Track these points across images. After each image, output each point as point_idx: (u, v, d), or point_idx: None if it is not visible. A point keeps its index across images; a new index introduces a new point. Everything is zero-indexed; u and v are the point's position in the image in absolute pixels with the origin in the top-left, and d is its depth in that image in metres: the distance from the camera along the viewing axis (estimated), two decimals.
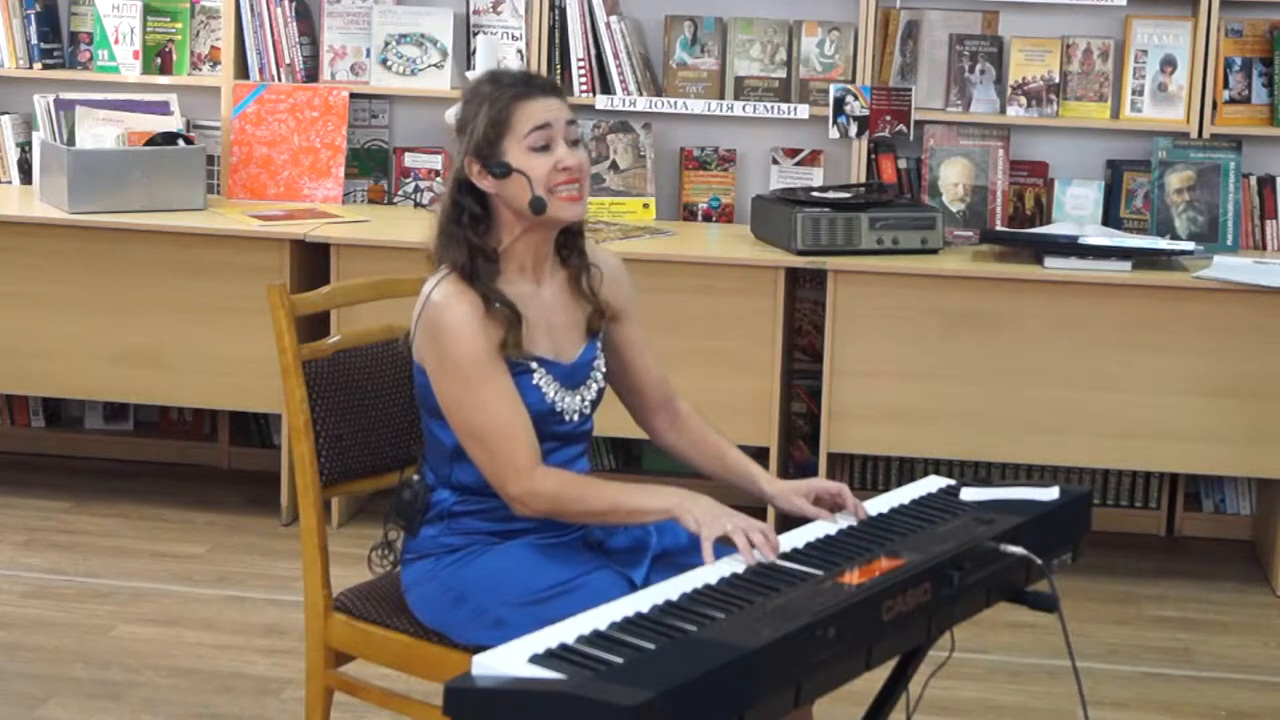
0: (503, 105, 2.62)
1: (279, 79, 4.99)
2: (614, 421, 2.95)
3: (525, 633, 2.10)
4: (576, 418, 2.73)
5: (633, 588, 2.55)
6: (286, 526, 4.68)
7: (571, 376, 2.72)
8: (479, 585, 2.65)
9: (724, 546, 2.45)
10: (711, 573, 2.35)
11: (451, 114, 2.79)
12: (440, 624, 2.70)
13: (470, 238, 2.64)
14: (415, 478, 2.76)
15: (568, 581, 2.60)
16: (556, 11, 4.87)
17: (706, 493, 2.59)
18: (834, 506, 2.65)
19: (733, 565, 2.38)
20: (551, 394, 2.68)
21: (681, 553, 2.66)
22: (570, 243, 2.75)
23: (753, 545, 2.41)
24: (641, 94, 4.87)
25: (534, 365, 2.66)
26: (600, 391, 2.78)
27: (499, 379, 2.60)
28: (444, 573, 2.69)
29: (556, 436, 2.71)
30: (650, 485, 2.63)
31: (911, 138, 4.81)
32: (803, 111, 4.83)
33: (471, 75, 4.65)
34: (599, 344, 2.78)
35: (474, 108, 2.65)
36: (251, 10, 4.97)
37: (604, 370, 2.79)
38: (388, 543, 2.82)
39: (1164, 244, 4.42)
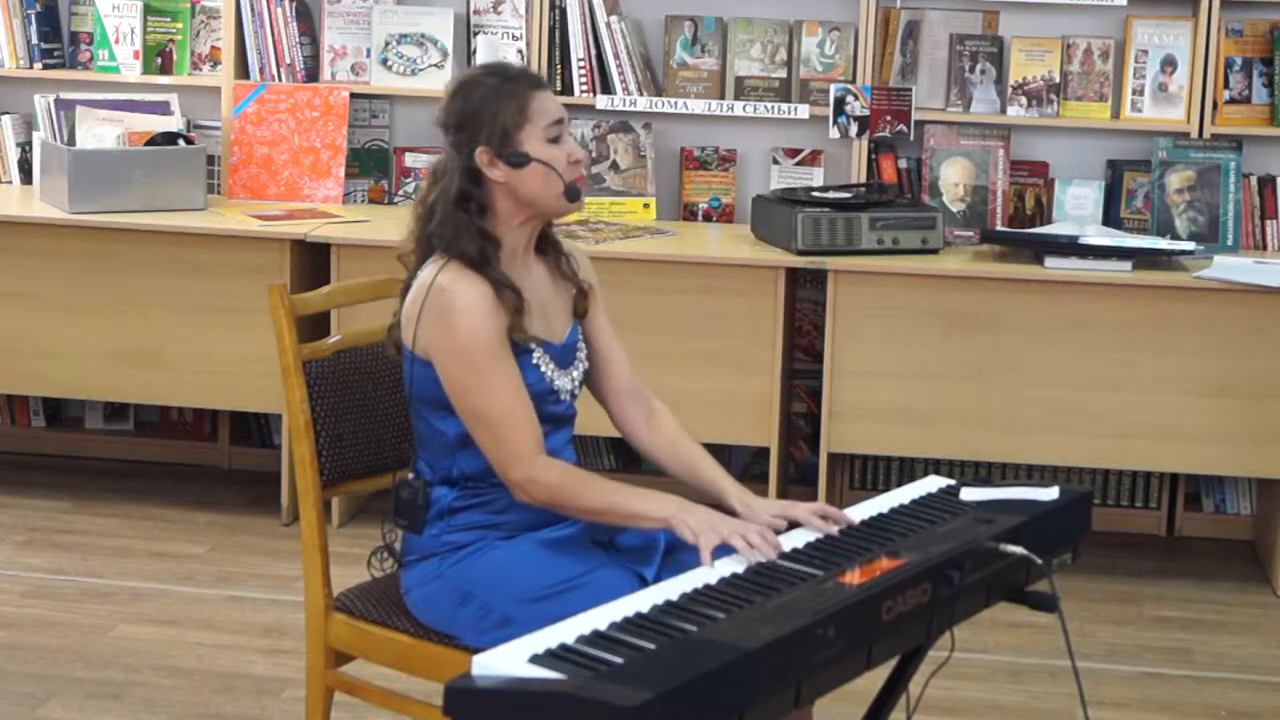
0: (521, 96, 2.66)
1: (279, 79, 4.99)
2: None
3: (533, 630, 2.09)
4: (568, 398, 2.76)
5: (643, 584, 2.55)
6: (286, 526, 4.68)
7: (563, 356, 2.76)
8: (485, 583, 2.65)
9: (725, 547, 2.45)
10: (712, 573, 2.34)
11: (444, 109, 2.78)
12: (444, 624, 2.70)
13: (481, 226, 2.67)
14: (411, 475, 2.76)
15: (576, 577, 2.60)
16: (557, 11, 4.87)
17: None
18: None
19: (733, 565, 2.38)
20: (549, 374, 2.72)
21: (690, 549, 2.66)
22: (544, 232, 2.80)
23: (752, 546, 2.42)
24: (642, 94, 4.87)
25: (533, 345, 2.69)
26: (586, 372, 2.82)
27: (507, 364, 2.63)
28: (449, 571, 2.69)
29: (552, 418, 2.73)
30: (649, 491, 2.63)
31: (912, 138, 4.81)
32: (803, 111, 4.83)
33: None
34: (580, 327, 2.82)
35: (485, 100, 2.67)
36: (252, 10, 4.96)
37: (586, 352, 2.82)
38: (387, 545, 2.82)
39: (1164, 244, 4.42)
